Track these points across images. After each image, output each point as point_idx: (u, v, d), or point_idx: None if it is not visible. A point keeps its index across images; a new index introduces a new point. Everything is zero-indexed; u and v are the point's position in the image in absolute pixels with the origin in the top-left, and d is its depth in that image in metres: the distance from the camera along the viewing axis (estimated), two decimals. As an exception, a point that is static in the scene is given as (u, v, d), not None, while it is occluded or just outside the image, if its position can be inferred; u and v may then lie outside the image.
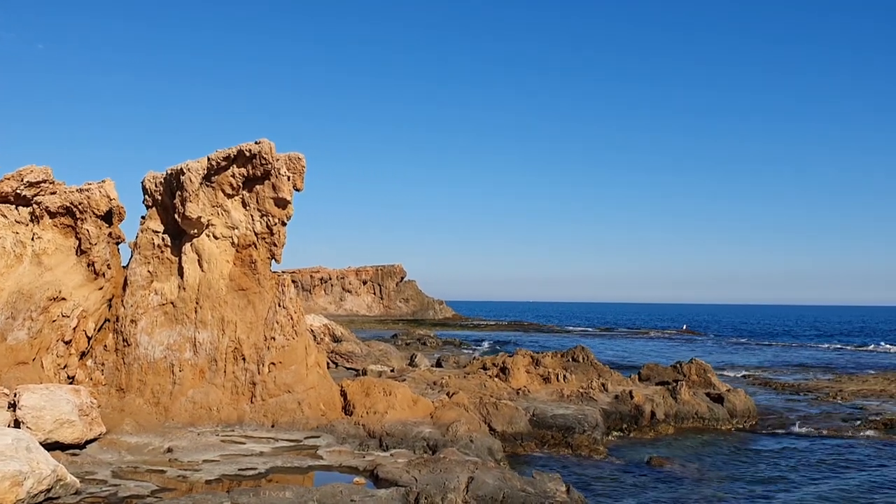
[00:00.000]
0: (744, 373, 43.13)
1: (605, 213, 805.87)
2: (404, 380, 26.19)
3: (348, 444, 16.56)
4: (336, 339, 39.31)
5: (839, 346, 73.21)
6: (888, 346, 72.82)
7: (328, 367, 25.09)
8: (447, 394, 22.27)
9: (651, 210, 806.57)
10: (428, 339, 62.82)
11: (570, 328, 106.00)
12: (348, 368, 33.43)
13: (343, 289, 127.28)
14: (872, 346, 73.49)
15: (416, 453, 16.02)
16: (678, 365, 31.35)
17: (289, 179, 18.52)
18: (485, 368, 29.02)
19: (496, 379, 26.62)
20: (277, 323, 18.57)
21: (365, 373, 29.25)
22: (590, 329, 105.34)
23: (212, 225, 18.67)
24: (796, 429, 24.39)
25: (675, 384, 26.58)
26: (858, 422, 25.53)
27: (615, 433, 23.02)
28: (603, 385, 26.20)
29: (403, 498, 12.01)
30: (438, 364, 36.94)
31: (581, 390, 25.68)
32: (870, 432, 23.91)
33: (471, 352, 54.83)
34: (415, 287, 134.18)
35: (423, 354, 40.66)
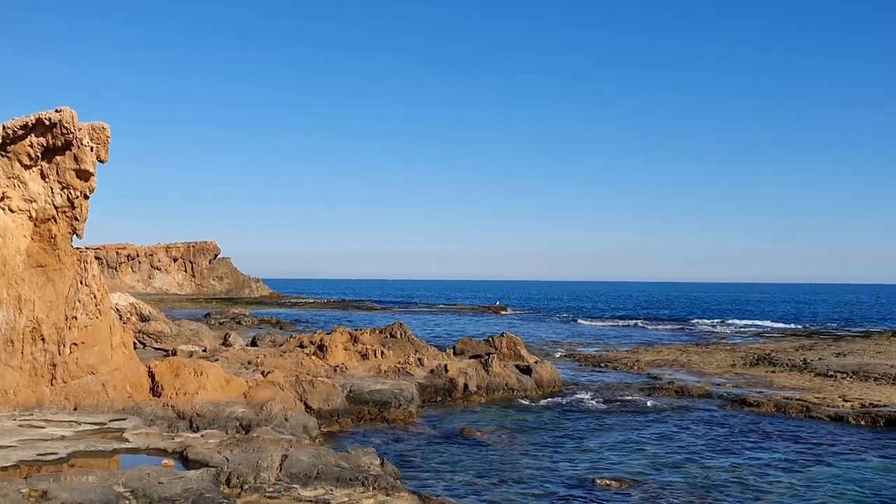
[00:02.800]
0: (552, 345, 45.22)
1: (430, 190, 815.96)
2: (217, 359, 25.61)
3: (156, 425, 16.06)
4: (144, 319, 37.77)
5: (647, 321, 78.03)
6: (700, 320, 78.36)
7: (135, 348, 24.14)
8: (262, 373, 22.00)
9: (474, 187, 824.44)
10: (243, 318, 61.57)
11: (390, 305, 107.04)
12: (157, 349, 32.25)
13: (152, 266, 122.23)
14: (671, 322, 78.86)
15: (228, 434, 15.75)
16: (491, 339, 32.50)
17: (92, 150, 17.58)
18: (302, 346, 28.88)
19: (313, 357, 26.57)
20: (79, 301, 17.67)
21: (175, 353, 28.30)
22: (408, 305, 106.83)
23: (7, 197, 17.43)
24: (596, 396, 25.88)
25: (487, 357, 27.56)
26: (652, 388, 27.47)
27: (430, 406, 23.59)
28: (419, 360, 26.75)
29: (214, 478, 11.81)
30: (254, 343, 36.35)
31: (398, 366, 26.11)
32: (661, 398, 25.75)
33: (287, 331, 54.27)
34: (229, 265, 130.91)
35: (238, 333, 39.84)
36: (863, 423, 21.58)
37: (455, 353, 30.93)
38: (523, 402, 24.92)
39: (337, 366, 25.93)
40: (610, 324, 71.21)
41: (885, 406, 23.02)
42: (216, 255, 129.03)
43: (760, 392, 26.37)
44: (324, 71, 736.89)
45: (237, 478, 12.00)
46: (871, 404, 23.38)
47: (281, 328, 56.56)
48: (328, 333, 29.28)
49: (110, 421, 15.92)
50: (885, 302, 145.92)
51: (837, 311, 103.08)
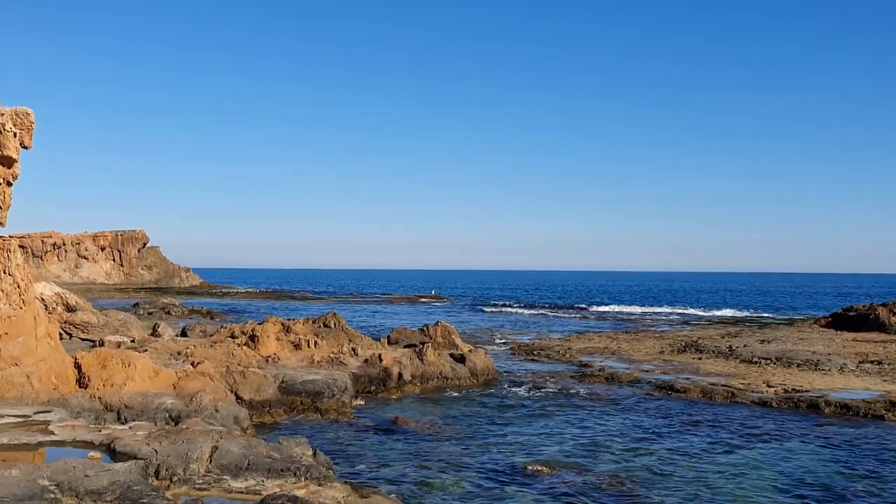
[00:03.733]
0: (486, 334, 45.53)
1: (367, 179, 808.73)
2: (145, 350, 25.15)
3: (83, 418, 15.71)
4: (70, 309, 36.83)
5: (583, 308, 79.06)
6: (622, 307, 79.75)
7: (62, 339, 23.58)
8: (192, 364, 21.68)
9: (407, 176, 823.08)
10: (173, 308, 60.52)
11: (324, 295, 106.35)
12: (84, 340, 31.50)
13: (79, 255, 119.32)
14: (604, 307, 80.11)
15: (157, 425, 15.49)
16: (425, 328, 32.57)
17: (15, 136, 17.05)
18: (233, 337, 28.53)
19: (245, 347, 26.27)
20: (2, 291, 17.15)
21: (102, 344, 27.70)
22: (343, 295, 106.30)
23: (-79, 184, 16.82)
24: (529, 384, 26.17)
25: (421, 346, 27.61)
26: (583, 376, 27.89)
27: (364, 396, 23.55)
28: (353, 350, 26.67)
29: (143, 470, 11.62)
30: (184, 333, 35.75)
31: (332, 355, 25.99)
32: (592, 385, 26.16)
33: (218, 321, 53.54)
34: (158, 253, 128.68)
35: (168, 324, 39.07)
36: (785, 407, 22.26)
37: (389, 343, 30.93)
38: (457, 390, 25.06)
39: (269, 356, 25.70)
40: (544, 312, 71.98)
41: (806, 391, 23.78)
42: (145, 244, 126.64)
43: (687, 378, 26.99)
44: (252, 54, 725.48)
45: (166, 470, 11.82)
46: (793, 389, 24.13)
47: (212, 318, 55.74)
48: (260, 323, 28.98)
49: (35, 413, 15.52)
50: (807, 290, 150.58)
51: (761, 300, 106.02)
